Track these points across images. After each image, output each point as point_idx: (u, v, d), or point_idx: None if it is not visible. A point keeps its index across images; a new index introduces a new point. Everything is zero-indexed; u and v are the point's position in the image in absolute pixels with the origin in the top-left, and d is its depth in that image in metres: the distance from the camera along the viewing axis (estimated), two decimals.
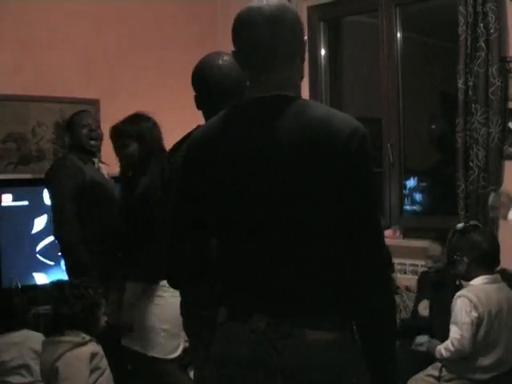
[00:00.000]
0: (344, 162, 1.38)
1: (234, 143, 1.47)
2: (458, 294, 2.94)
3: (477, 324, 2.84)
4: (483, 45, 3.39)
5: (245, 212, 1.47)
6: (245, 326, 1.46)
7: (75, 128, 3.56)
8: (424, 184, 4.78)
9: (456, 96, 3.54)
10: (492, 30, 3.37)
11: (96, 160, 3.62)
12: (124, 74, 4.51)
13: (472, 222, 3.35)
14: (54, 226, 3.40)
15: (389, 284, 1.51)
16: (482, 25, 3.40)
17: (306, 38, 1.55)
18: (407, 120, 4.11)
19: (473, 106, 3.47)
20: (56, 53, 4.22)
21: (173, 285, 1.75)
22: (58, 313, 2.80)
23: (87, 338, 2.72)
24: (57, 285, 3.03)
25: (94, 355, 2.70)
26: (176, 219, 1.60)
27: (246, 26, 1.48)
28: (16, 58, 4.06)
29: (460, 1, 3.47)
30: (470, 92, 3.47)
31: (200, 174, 1.51)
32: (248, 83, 1.55)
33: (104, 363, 2.75)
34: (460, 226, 3.34)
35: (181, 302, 2.29)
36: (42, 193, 3.91)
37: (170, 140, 2.55)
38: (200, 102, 2.19)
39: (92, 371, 2.68)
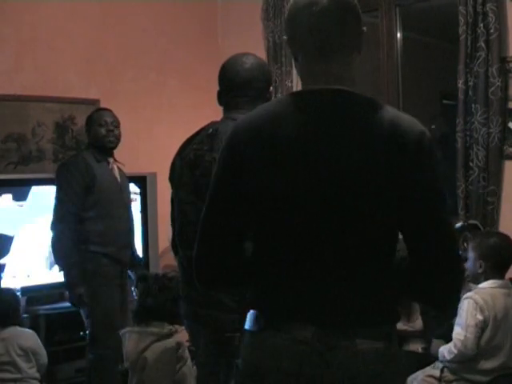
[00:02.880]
0: (413, 164, 1.34)
1: (291, 135, 1.37)
2: (466, 295, 2.93)
3: (481, 327, 2.82)
4: (483, 45, 3.39)
5: (296, 209, 1.36)
6: (286, 336, 1.37)
7: (93, 125, 3.60)
8: None
9: (456, 96, 3.54)
10: (492, 30, 3.36)
11: (111, 160, 3.63)
12: (124, 74, 4.51)
13: (471, 221, 3.35)
14: (52, 219, 3.44)
15: (460, 285, 1.49)
16: (482, 25, 3.39)
17: (364, 29, 1.45)
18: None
19: (473, 106, 3.46)
20: (56, 53, 4.22)
21: (202, 284, 1.56)
22: (142, 304, 2.89)
23: (173, 329, 2.82)
24: (142, 277, 3.09)
25: (179, 345, 2.80)
26: (213, 210, 1.45)
27: (304, 10, 1.39)
28: (16, 58, 4.06)
29: (460, 1, 3.46)
30: (470, 92, 3.47)
31: (248, 162, 1.39)
32: (300, 73, 1.48)
33: (186, 353, 2.85)
34: (458, 225, 3.33)
35: (181, 302, 2.30)
36: (42, 193, 3.91)
37: (170, 140, 2.55)
38: (222, 98, 2.20)
39: (177, 361, 2.80)
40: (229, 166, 1.43)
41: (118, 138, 3.63)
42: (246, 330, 1.47)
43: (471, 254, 3.02)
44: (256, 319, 1.44)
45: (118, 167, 3.69)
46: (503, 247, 3.00)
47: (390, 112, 1.40)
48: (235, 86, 2.13)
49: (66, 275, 3.38)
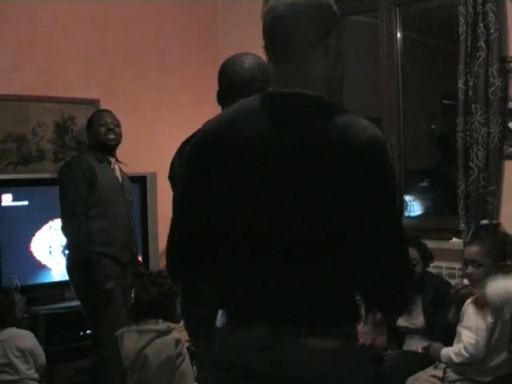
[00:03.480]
0: (364, 167, 1.34)
1: (244, 138, 1.41)
2: (470, 300, 2.93)
3: (492, 328, 2.83)
4: (483, 45, 3.39)
5: (252, 212, 1.41)
6: (244, 333, 1.42)
7: (93, 126, 3.64)
8: (424, 184, 4.78)
9: (456, 96, 3.54)
10: (492, 30, 3.36)
11: (113, 160, 3.64)
12: (124, 74, 4.51)
13: (494, 221, 3.36)
14: (62, 223, 3.45)
15: (407, 288, 1.51)
16: (482, 25, 3.39)
17: (333, 30, 1.46)
18: (407, 120, 4.11)
19: (473, 105, 3.47)
20: (56, 53, 4.22)
21: (173, 277, 1.70)
22: (137, 301, 2.92)
23: (172, 325, 2.82)
24: (138, 275, 3.10)
25: (177, 342, 2.80)
26: (180, 211, 1.52)
27: (269, 15, 1.45)
28: (16, 58, 4.06)
29: (460, 1, 3.46)
30: (470, 92, 3.47)
31: (207, 168, 1.44)
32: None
33: (185, 350, 2.85)
34: (485, 221, 3.32)
35: (181, 302, 2.30)
36: (42, 193, 3.91)
37: (169, 140, 2.55)
38: (221, 98, 2.19)
39: (176, 356, 2.80)
40: (193, 167, 1.49)
41: (118, 137, 3.64)
42: (216, 327, 1.52)
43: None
44: (221, 317, 1.50)
45: (120, 167, 3.69)
46: (505, 245, 3.01)
47: (345, 116, 1.40)
48: (234, 85, 2.12)
49: (91, 274, 3.35)
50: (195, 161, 1.48)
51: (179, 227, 1.52)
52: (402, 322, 3.41)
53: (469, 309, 2.90)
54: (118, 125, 3.66)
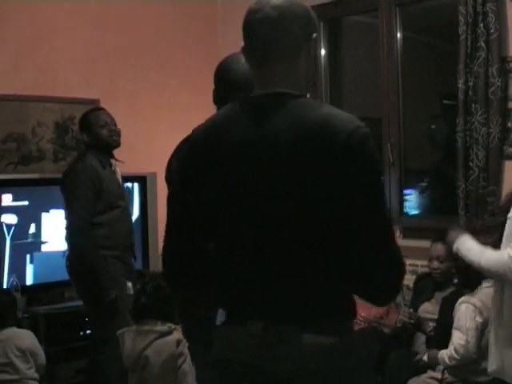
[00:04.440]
0: (344, 162, 1.35)
1: (230, 141, 1.44)
2: (462, 299, 2.93)
3: (482, 329, 2.83)
4: (483, 45, 3.39)
5: (240, 212, 1.44)
6: (242, 330, 1.44)
7: (93, 128, 3.55)
8: (424, 184, 4.78)
9: (456, 96, 3.54)
10: (492, 30, 3.36)
11: (114, 162, 3.62)
12: (124, 74, 4.51)
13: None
14: (67, 233, 3.39)
15: (400, 285, 1.50)
16: (482, 25, 3.39)
17: (314, 35, 1.51)
18: (407, 120, 4.11)
19: (473, 105, 3.47)
20: (56, 53, 4.22)
21: (170, 283, 1.72)
22: (137, 303, 2.92)
23: (173, 326, 2.83)
24: (139, 274, 3.11)
25: (179, 342, 2.81)
26: (174, 215, 1.59)
27: (250, 18, 1.49)
28: (16, 58, 4.06)
29: (460, 1, 3.46)
30: (470, 92, 3.47)
31: (197, 171, 1.48)
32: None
33: (186, 350, 2.84)
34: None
35: (178, 303, 2.29)
36: (42, 193, 3.92)
37: (169, 140, 2.55)
38: (217, 97, 2.19)
39: (177, 357, 2.82)
40: (183, 172, 1.54)
41: (119, 135, 3.61)
42: (215, 326, 1.55)
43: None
44: (220, 315, 1.53)
45: (119, 168, 3.68)
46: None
47: (325, 111, 1.42)
48: (231, 84, 2.12)
49: (96, 282, 3.31)
50: (184, 166, 1.54)
51: (173, 231, 1.56)
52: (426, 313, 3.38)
53: (459, 309, 2.90)
54: (115, 122, 3.62)
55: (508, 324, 2.37)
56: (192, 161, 1.51)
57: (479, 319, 2.83)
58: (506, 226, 2.32)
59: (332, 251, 1.41)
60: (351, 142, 1.35)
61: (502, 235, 2.38)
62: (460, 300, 2.93)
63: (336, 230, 1.38)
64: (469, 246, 2.48)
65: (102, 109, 3.70)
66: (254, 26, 1.48)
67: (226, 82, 2.14)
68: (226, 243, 1.50)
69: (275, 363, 1.39)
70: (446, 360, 2.91)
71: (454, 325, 2.91)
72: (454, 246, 2.57)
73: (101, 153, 3.54)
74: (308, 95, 1.53)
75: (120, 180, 3.64)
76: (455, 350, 2.86)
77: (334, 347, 1.40)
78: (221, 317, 1.53)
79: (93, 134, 3.56)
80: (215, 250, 1.53)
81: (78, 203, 3.35)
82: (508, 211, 2.35)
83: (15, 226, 3.81)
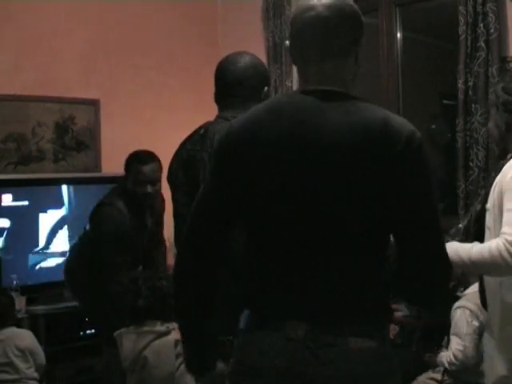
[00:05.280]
0: (402, 165, 1.35)
1: (281, 135, 1.40)
2: (457, 304, 2.93)
3: (479, 333, 2.82)
4: (483, 45, 3.38)
5: (288, 207, 1.39)
6: (279, 334, 1.38)
7: (132, 177, 3.42)
8: None
9: (456, 96, 3.54)
10: (492, 30, 3.36)
11: (148, 213, 3.53)
12: (124, 74, 4.51)
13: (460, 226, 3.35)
14: (103, 278, 3.30)
15: (448, 284, 1.52)
16: (481, 25, 3.39)
17: (362, 38, 1.50)
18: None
19: (473, 105, 3.46)
20: (56, 53, 4.22)
21: (183, 284, 1.59)
22: (134, 306, 2.89)
23: (171, 326, 2.80)
24: (132, 279, 3.09)
25: (177, 342, 2.77)
26: (204, 208, 1.50)
27: (300, 16, 1.46)
28: (16, 58, 4.06)
29: (460, 1, 3.46)
30: (470, 92, 3.47)
31: (239, 162, 1.43)
32: (298, 75, 1.53)
33: None
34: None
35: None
36: (42, 193, 3.92)
37: (169, 140, 2.54)
38: (218, 97, 2.19)
39: (176, 357, 2.78)
40: (220, 166, 1.48)
41: (156, 196, 3.46)
42: (240, 329, 1.48)
43: None
44: (249, 319, 1.46)
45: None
46: None
47: (381, 112, 1.42)
48: (228, 85, 2.12)
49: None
50: (221, 158, 1.47)
51: (202, 226, 1.49)
52: None
53: (455, 315, 2.90)
54: (159, 178, 3.39)
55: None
56: (234, 149, 1.45)
57: (476, 323, 2.83)
58: (486, 216, 2.20)
59: (380, 253, 1.40)
60: (409, 145, 1.36)
61: (478, 228, 2.28)
62: (455, 305, 2.93)
63: (386, 232, 1.38)
64: (456, 247, 2.34)
65: (155, 161, 3.48)
66: (305, 24, 1.45)
67: (224, 82, 2.14)
68: (261, 237, 1.45)
69: (318, 368, 1.35)
70: (446, 365, 2.91)
71: (452, 330, 2.91)
72: None
73: (132, 203, 3.42)
74: None
75: (149, 224, 3.53)
76: (454, 355, 2.86)
77: (376, 351, 1.38)
78: (247, 320, 1.46)
79: (129, 182, 3.44)
80: (247, 247, 1.48)
81: (109, 253, 3.27)
82: (485, 201, 2.26)
83: (16, 226, 3.82)
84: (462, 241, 2.66)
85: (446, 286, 1.49)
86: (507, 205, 2.08)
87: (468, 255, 2.11)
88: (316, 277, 1.39)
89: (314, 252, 1.39)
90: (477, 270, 2.25)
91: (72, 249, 3.60)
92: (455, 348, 2.86)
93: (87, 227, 3.48)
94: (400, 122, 1.40)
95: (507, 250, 1.95)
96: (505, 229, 2.01)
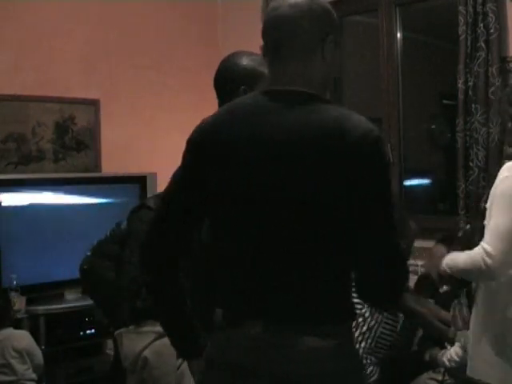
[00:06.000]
0: (353, 163, 1.34)
1: (238, 135, 1.43)
2: (456, 301, 2.93)
3: None
4: (483, 45, 3.38)
5: (246, 207, 1.42)
6: (241, 332, 1.41)
7: None
8: (424, 184, 4.78)
9: (456, 96, 3.54)
10: (492, 30, 3.36)
11: None
12: (124, 74, 4.52)
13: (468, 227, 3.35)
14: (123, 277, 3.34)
15: (403, 287, 1.49)
16: (481, 25, 3.39)
17: (331, 36, 1.48)
18: (407, 120, 4.11)
19: (473, 106, 3.46)
20: (56, 53, 4.22)
21: (147, 269, 1.65)
22: (133, 307, 2.85)
23: None
24: (131, 280, 3.08)
25: None
26: (170, 203, 1.55)
27: (268, 16, 1.49)
28: (16, 58, 4.06)
29: (460, 1, 3.46)
30: (470, 92, 3.47)
31: (201, 160, 1.46)
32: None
33: None
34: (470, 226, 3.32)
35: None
36: (41, 193, 3.92)
37: (169, 140, 2.55)
38: (220, 96, 2.19)
39: (177, 358, 2.72)
40: (188, 165, 1.51)
41: None
42: (213, 327, 1.52)
43: None
44: (219, 317, 1.49)
45: None
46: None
47: (339, 112, 1.41)
48: (221, 85, 2.14)
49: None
50: (190, 158, 1.50)
51: (167, 218, 1.54)
52: None
53: (455, 310, 2.90)
54: None
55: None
56: (199, 148, 1.48)
57: None
58: (486, 215, 2.29)
59: (335, 252, 1.39)
60: (363, 142, 1.35)
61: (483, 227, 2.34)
62: (456, 301, 2.93)
63: (341, 230, 1.37)
64: (454, 256, 2.40)
65: None
66: (271, 23, 1.48)
67: (217, 83, 2.16)
68: (224, 239, 1.48)
69: (276, 366, 1.37)
70: (446, 363, 2.91)
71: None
72: (442, 266, 2.49)
73: None
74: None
75: None
76: (455, 352, 2.86)
77: (334, 350, 1.38)
78: (218, 318, 1.50)
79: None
80: (212, 246, 1.51)
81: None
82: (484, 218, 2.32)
83: (16, 225, 3.82)
84: (469, 240, 2.73)
85: (396, 287, 1.45)
86: (493, 210, 2.19)
87: (457, 262, 2.27)
88: (273, 277, 1.40)
89: (272, 252, 1.40)
90: (465, 276, 2.37)
91: (97, 246, 3.56)
92: (456, 345, 2.85)
93: (122, 225, 3.48)
94: (357, 120, 1.39)
95: (482, 258, 2.12)
96: (486, 236, 2.17)
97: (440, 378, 3.00)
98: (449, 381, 2.97)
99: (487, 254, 2.11)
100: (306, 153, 1.36)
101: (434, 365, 3.06)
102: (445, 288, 3.36)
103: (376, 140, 1.37)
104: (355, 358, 1.46)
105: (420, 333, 3.40)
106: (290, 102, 1.42)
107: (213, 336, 1.51)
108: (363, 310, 3.07)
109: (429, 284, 3.55)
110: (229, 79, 2.11)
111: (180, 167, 1.54)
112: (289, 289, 1.39)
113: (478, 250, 2.16)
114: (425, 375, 3.07)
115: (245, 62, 2.13)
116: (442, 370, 3.00)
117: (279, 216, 1.39)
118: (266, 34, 1.49)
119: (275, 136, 1.39)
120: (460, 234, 3.31)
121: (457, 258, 2.34)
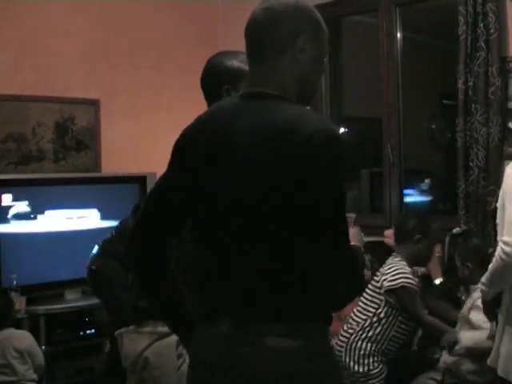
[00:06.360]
0: (301, 163, 1.33)
1: (207, 138, 1.47)
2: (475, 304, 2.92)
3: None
4: (483, 45, 3.39)
5: (214, 210, 1.45)
6: (211, 329, 1.45)
7: None
8: (424, 184, 4.78)
9: (456, 96, 3.54)
10: (492, 30, 3.37)
11: None
12: (124, 74, 4.51)
13: (463, 227, 3.39)
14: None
15: (358, 286, 1.51)
16: (481, 25, 3.39)
17: (302, 37, 1.47)
18: (407, 120, 4.11)
19: (473, 106, 3.47)
20: (56, 53, 4.22)
21: (130, 262, 1.66)
22: (135, 307, 2.88)
23: None
24: (132, 279, 3.09)
25: (178, 343, 2.76)
26: (153, 203, 1.58)
27: (248, 21, 1.52)
28: (16, 58, 4.06)
29: (460, 1, 3.47)
30: (470, 92, 3.47)
31: (181, 162, 1.51)
32: None
33: (185, 351, 2.81)
34: (457, 230, 3.34)
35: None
36: (42, 193, 3.92)
37: (169, 140, 2.55)
38: (206, 96, 2.20)
39: (177, 358, 2.78)
40: (171, 165, 1.56)
41: None
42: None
43: (457, 259, 3.06)
44: (198, 314, 1.53)
45: None
46: (482, 245, 3.04)
47: (296, 112, 1.41)
48: (209, 85, 2.17)
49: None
50: (172, 159, 1.55)
51: (150, 218, 1.56)
52: None
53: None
54: None
55: None
56: (177, 155, 1.54)
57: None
58: (498, 213, 2.41)
59: (298, 253, 1.39)
60: (310, 143, 1.34)
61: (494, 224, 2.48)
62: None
63: (298, 231, 1.37)
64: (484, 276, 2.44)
65: None
66: (247, 28, 1.52)
67: (208, 80, 2.17)
68: (200, 239, 1.51)
69: (243, 365, 1.38)
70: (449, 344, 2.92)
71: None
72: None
73: None
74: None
75: None
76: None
77: (301, 351, 1.38)
78: (197, 316, 1.54)
79: None
80: (191, 244, 1.54)
81: None
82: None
83: (15, 226, 3.82)
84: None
85: (347, 291, 1.45)
86: (506, 204, 2.25)
87: (486, 275, 2.36)
88: (246, 276, 1.41)
89: (242, 252, 1.42)
90: (496, 279, 2.37)
91: (103, 246, 3.54)
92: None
93: (126, 224, 3.46)
94: (310, 120, 1.38)
95: (501, 248, 2.20)
96: (503, 231, 2.25)
97: (440, 377, 3.00)
98: (449, 381, 2.97)
99: (504, 243, 2.20)
100: (262, 155, 1.38)
101: (450, 346, 3.04)
102: (438, 281, 3.38)
103: (325, 140, 1.35)
104: (329, 359, 1.46)
105: (420, 333, 3.40)
106: (256, 105, 1.45)
107: (195, 332, 1.53)
108: (379, 311, 3.08)
109: (425, 280, 3.55)
110: (212, 79, 2.12)
111: (169, 163, 1.58)
112: (259, 287, 1.40)
113: (497, 247, 2.25)
114: (424, 375, 3.07)
115: (228, 61, 2.13)
116: (442, 369, 3.00)
117: (243, 218, 1.41)
118: (245, 38, 1.54)
119: (238, 140, 1.42)
120: (456, 230, 3.34)
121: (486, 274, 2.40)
